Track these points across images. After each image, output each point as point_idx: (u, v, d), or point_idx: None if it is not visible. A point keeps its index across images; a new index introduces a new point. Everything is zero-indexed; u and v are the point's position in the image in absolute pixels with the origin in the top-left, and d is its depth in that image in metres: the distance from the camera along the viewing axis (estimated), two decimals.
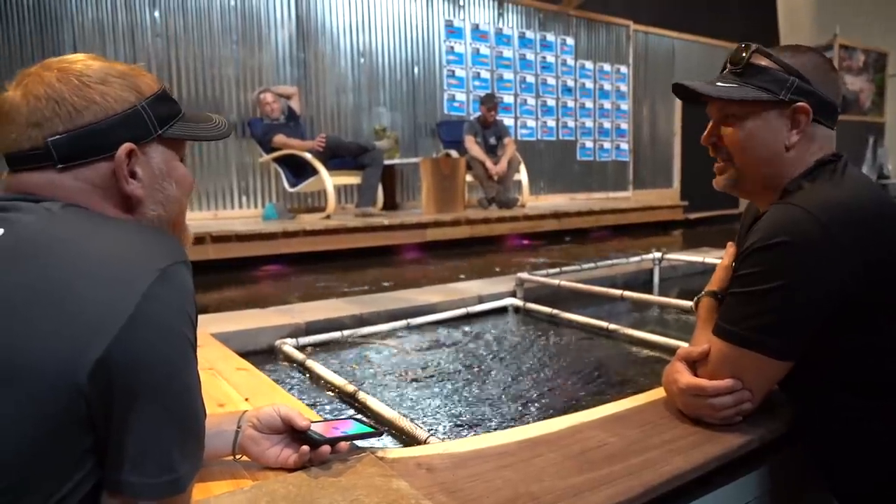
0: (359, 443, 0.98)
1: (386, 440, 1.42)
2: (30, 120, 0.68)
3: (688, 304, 2.27)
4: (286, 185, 5.17)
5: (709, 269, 3.36)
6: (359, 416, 1.04)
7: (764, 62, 1.03)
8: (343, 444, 0.93)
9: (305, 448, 0.89)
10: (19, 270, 0.60)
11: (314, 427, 0.92)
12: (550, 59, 7.64)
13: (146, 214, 0.74)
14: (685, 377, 1.05)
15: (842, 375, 0.96)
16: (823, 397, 1.00)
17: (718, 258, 3.41)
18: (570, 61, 7.83)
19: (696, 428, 1.04)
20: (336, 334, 2.27)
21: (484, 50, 7.05)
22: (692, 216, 7.57)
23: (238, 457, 0.93)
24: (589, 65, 8.01)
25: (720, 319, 1.02)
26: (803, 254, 0.90)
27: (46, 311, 0.58)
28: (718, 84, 1.07)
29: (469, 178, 5.91)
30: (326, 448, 0.90)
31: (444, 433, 1.56)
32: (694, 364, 1.06)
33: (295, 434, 0.92)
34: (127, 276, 0.61)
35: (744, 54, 1.05)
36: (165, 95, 0.76)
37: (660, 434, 1.03)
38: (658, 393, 1.17)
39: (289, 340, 2.14)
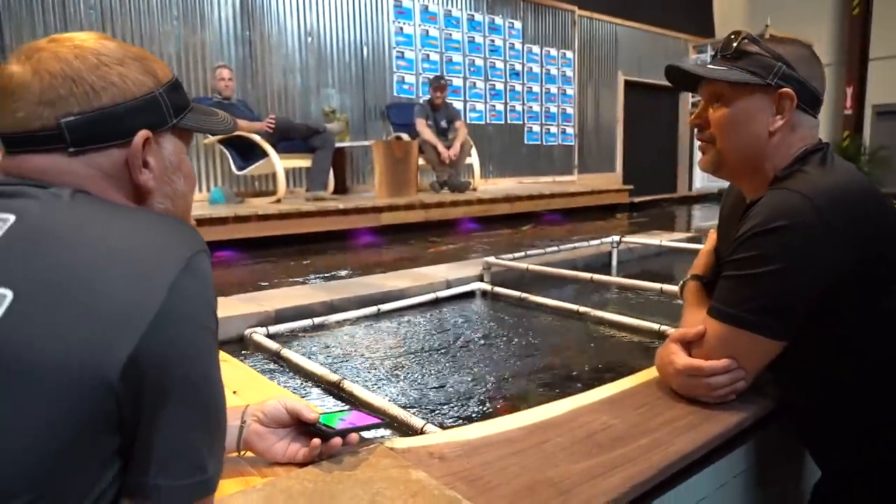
0: (364, 434, 0.96)
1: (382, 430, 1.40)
2: (42, 98, 0.62)
3: (656, 286, 2.34)
4: (233, 167, 4.99)
5: (664, 252, 3.50)
6: (353, 408, 1.03)
7: (753, 48, 1.05)
8: (353, 436, 0.90)
9: (316, 441, 0.86)
10: (36, 262, 0.55)
11: (328, 415, 0.90)
12: (499, 42, 7.66)
13: (154, 207, 0.70)
14: (682, 358, 1.07)
15: (831, 354, 1.00)
16: (813, 376, 1.04)
17: (672, 241, 3.54)
18: (518, 45, 7.87)
19: (691, 407, 1.06)
20: (307, 322, 2.21)
21: (433, 32, 6.99)
22: (636, 200, 7.79)
23: (242, 453, 0.89)
24: (536, 49, 8.07)
25: (716, 301, 1.04)
26: (801, 238, 0.94)
27: (68, 306, 0.54)
28: (710, 66, 1.09)
29: (421, 161, 5.87)
30: (338, 440, 0.87)
31: (430, 420, 1.55)
32: (688, 345, 1.08)
33: (301, 427, 0.89)
34: (152, 268, 0.58)
35: (734, 41, 1.07)
36: (178, 84, 0.72)
37: (659, 415, 1.05)
38: (649, 374, 1.20)
39: (259, 329, 2.07)
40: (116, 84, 0.65)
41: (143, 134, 0.66)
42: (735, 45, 1.05)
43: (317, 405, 1.59)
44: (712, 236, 1.31)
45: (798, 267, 0.94)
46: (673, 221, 6.70)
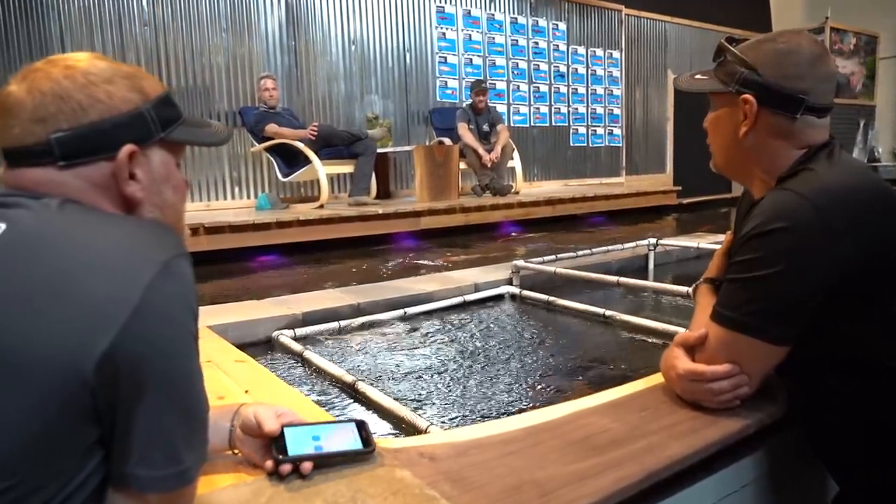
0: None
1: (384, 426, 1.42)
2: (34, 115, 0.67)
3: (683, 289, 2.28)
4: (279, 174, 5.14)
5: (703, 255, 3.40)
6: (354, 421, 0.95)
7: (727, 55, 1.05)
8: (306, 465, 0.85)
9: (269, 464, 0.85)
10: (23, 266, 0.60)
11: (301, 430, 0.88)
12: (542, 44, 7.61)
13: (144, 217, 0.74)
14: (683, 363, 1.05)
15: (836, 356, 0.97)
16: (818, 378, 1.00)
17: (713, 243, 3.44)
18: (563, 46, 7.79)
19: (695, 413, 1.04)
20: (334, 324, 2.27)
21: (476, 36, 7.00)
22: (685, 201, 7.59)
23: (236, 451, 0.93)
24: (581, 50, 7.98)
25: (718, 305, 1.02)
26: (800, 239, 0.91)
27: (50, 305, 0.58)
28: (696, 76, 1.12)
29: (462, 165, 5.90)
30: (307, 465, 0.85)
31: (445, 422, 1.56)
32: (692, 349, 1.06)
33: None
34: (130, 269, 0.61)
35: (717, 49, 1.08)
36: (169, 99, 0.76)
37: (659, 419, 1.04)
38: (656, 378, 1.18)
39: (286, 331, 2.14)
40: (103, 101, 0.69)
41: (127, 148, 0.70)
42: (717, 52, 1.07)
43: (330, 402, 1.63)
44: (728, 238, 1.29)
45: (798, 269, 0.91)
46: (724, 222, 6.50)
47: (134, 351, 0.59)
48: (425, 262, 4.06)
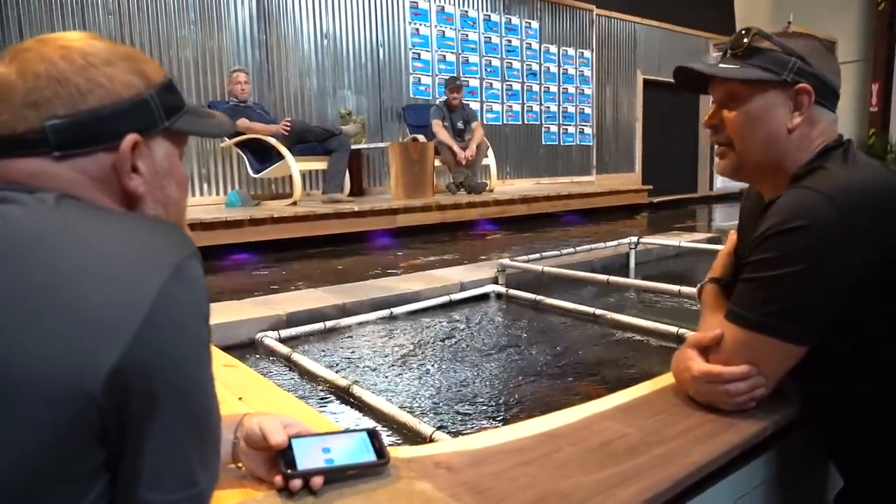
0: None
1: (380, 433, 1.37)
2: (27, 100, 0.59)
3: (675, 287, 2.29)
4: (250, 170, 5.02)
5: (683, 253, 3.43)
6: (365, 430, 0.89)
7: (765, 45, 1.01)
8: (317, 480, 0.78)
9: (278, 480, 0.79)
10: (15, 269, 0.53)
11: (310, 441, 0.82)
12: (515, 42, 7.62)
13: (145, 214, 0.67)
14: (698, 364, 1.03)
15: (850, 356, 0.97)
16: (834, 381, 1.00)
17: (693, 241, 3.47)
18: (535, 45, 7.82)
19: (710, 415, 1.02)
20: (319, 325, 2.20)
21: (449, 33, 6.97)
22: (656, 200, 7.70)
23: (239, 465, 0.86)
24: (553, 49, 8.02)
25: (734, 305, 1.00)
26: (822, 238, 0.89)
27: (48, 315, 0.52)
28: (721, 66, 1.05)
29: (437, 162, 5.86)
30: (317, 480, 0.79)
31: (438, 424, 1.52)
32: (705, 350, 1.04)
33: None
34: (138, 273, 0.55)
35: (745, 38, 1.03)
36: (172, 85, 0.69)
37: (675, 424, 1.01)
38: (664, 380, 1.16)
39: (270, 333, 2.06)
40: (104, 85, 0.62)
41: (131, 138, 0.63)
42: (746, 41, 1.02)
43: (324, 414, 1.57)
44: (732, 237, 1.27)
45: (819, 268, 0.90)
46: (693, 221, 6.61)
47: (146, 364, 0.53)
48: (405, 260, 4.00)
